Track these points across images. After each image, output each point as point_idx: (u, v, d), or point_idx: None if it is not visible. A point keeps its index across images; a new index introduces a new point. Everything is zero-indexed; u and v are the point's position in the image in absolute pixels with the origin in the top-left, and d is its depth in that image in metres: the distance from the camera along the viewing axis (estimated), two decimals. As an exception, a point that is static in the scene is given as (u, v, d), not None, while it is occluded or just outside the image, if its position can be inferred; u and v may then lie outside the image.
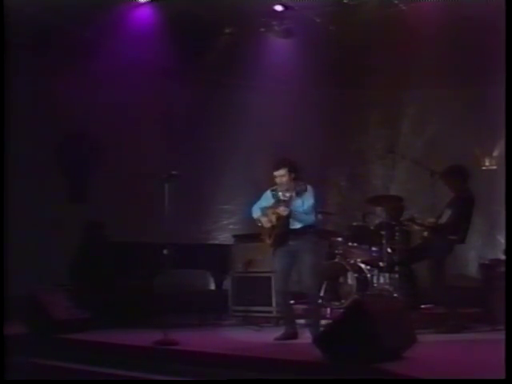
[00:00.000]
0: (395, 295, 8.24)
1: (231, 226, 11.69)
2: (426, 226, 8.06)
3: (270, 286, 8.51)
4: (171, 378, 5.97)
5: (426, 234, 8.17)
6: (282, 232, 7.12)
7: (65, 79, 9.89)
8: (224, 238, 11.33)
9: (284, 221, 7.08)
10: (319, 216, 7.33)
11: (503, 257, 7.47)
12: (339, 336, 5.55)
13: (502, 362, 4.61)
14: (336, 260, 8.93)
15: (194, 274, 9.86)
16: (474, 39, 9.76)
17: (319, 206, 7.43)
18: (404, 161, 10.12)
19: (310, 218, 7.13)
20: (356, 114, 11.63)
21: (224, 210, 11.84)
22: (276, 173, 7.12)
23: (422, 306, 8.36)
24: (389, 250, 8.57)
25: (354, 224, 9.26)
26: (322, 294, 8.41)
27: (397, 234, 8.58)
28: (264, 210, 7.29)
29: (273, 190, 7.30)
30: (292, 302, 7.56)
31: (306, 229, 7.11)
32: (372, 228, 9.08)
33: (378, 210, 9.67)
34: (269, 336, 7.26)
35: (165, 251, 7.04)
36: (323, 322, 7.43)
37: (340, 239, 9.11)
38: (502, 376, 4.51)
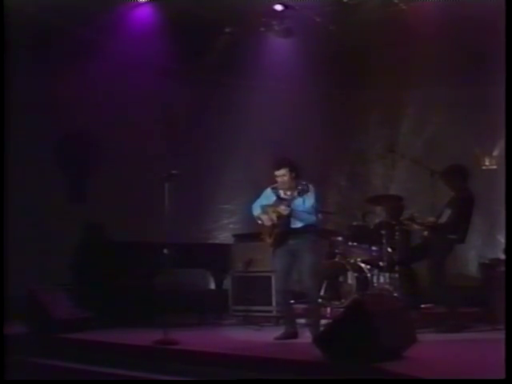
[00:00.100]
0: (395, 295, 8.24)
1: (231, 226, 11.69)
2: (425, 225, 8.06)
3: (270, 286, 8.52)
4: (171, 378, 5.97)
5: (425, 233, 8.17)
6: (283, 231, 7.12)
7: (65, 79, 9.89)
8: (224, 237, 11.33)
9: (285, 220, 7.08)
10: (319, 215, 7.31)
11: (503, 256, 7.47)
12: (339, 335, 5.55)
13: (502, 362, 4.62)
14: (336, 259, 8.94)
15: (194, 273, 9.86)
16: (473, 39, 9.76)
17: (320, 206, 7.43)
18: (404, 160, 10.12)
19: (311, 217, 7.13)
20: (356, 113, 11.63)
21: (224, 210, 11.84)
22: (277, 172, 7.11)
23: (422, 306, 8.36)
24: (389, 250, 8.57)
25: (354, 223, 9.26)
26: (322, 293, 8.40)
27: (397, 233, 8.58)
28: (264, 208, 7.29)
29: (273, 188, 7.30)
30: (292, 301, 7.56)
31: (307, 228, 7.11)
32: (372, 227, 9.09)
33: (378, 209, 9.68)
34: (269, 335, 7.26)
35: (165, 251, 7.04)
36: (323, 321, 7.43)
37: (340, 238, 9.11)
38: (502, 375, 4.51)
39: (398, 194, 9.81)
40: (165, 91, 10.88)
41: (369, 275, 8.67)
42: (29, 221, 9.41)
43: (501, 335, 5.35)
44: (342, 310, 7.73)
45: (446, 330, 7.43)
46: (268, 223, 7.22)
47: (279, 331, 7.27)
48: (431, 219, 7.95)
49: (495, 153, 10.40)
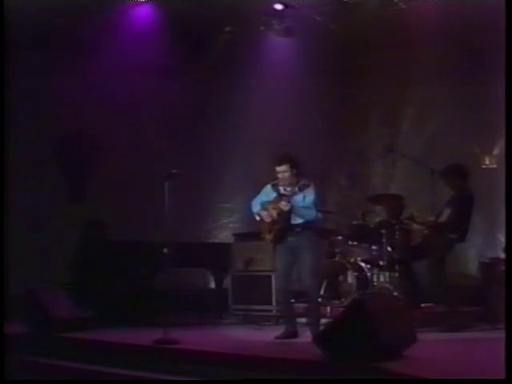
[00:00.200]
0: (395, 294, 8.23)
1: (231, 225, 11.69)
2: (425, 224, 8.05)
3: (270, 285, 8.52)
4: (171, 377, 5.97)
5: (425, 232, 8.17)
6: (283, 227, 7.12)
7: (64, 79, 9.89)
8: (224, 236, 11.32)
9: (285, 216, 7.08)
10: (319, 214, 7.32)
11: (503, 255, 7.46)
12: (339, 335, 5.55)
13: (502, 362, 4.61)
14: (336, 259, 8.93)
15: (194, 272, 9.87)
16: (473, 38, 9.76)
17: (320, 203, 7.42)
18: (404, 159, 10.11)
19: (311, 214, 7.13)
20: (356, 112, 11.62)
21: (224, 209, 11.84)
22: (278, 168, 7.12)
23: (422, 305, 8.35)
24: (389, 249, 8.57)
25: (354, 223, 9.25)
26: (322, 292, 8.40)
27: (397, 232, 8.58)
28: (264, 205, 7.28)
29: (273, 185, 7.30)
30: (292, 300, 7.56)
31: (307, 224, 7.11)
32: (372, 227, 9.07)
33: (378, 208, 9.68)
34: (269, 335, 7.27)
35: (165, 250, 7.04)
36: (323, 320, 7.44)
37: (340, 238, 9.11)
38: (502, 374, 4.51)
39: (398, 193, 9.80)
40: (165, 90, 10.87)
41: (369, 274, 8.66)
42: (29, 220, 9.42)
43: (501, 334, 5.35)
44: (342, 309, 7.73)
45: (446, 330, 7.43)
46: (268, 219, 7.22)
47: (279, 330, 7.27)
48: (431, 218, 7.95)
49: (495, 152, 10.39)
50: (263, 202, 7.30)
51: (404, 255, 8.52)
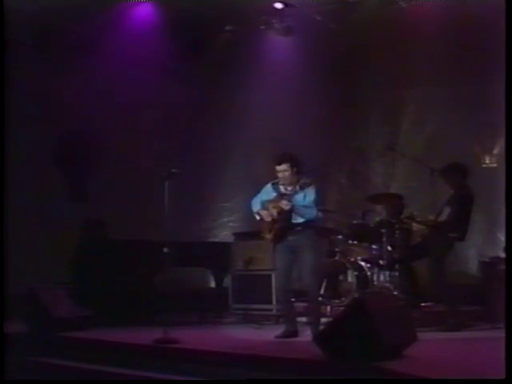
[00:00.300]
0: (395, 293, 8.23)
1: (231, 224, 11.70)
2: (425, 223, 8.05)
3: (270, 284, 8.53)
4: (171, 377, 5.98)
5: (426, 231, 8.17)
6: (283, 226, 7.11)
7: (65, 79, 9.90)
8: (224, 235, 11.34)
9: (286, 215, 7.07)
10: (319, 213, 7.31)
11: (503, 255, 7.46)
12: (339, 334, 5.55)
13: (502, 361, 4.62)
14: (336, 258, 8.93)
15: (195, 271, 9.88)
16: (474, 37, 9.75)
17: (320, 202, 7.42)
18: (404, 159, 10.10)
19: (312, 213, 7.11)
20: (356, 111, 11.61)
21: (224, 208, 11.85)
22: (278, 167, 7.11)
23: (422, 304, 8.36)
24: (389, 248, 8.57)
25: (354, 222, 9.25)
26: (322, 291, 8.40)
27: (397, 231, 8.58)
28: (264, 204, 7.27)
29: (274, 184, 7.30)
30: (293, 299, 7.56)
31: (308, 223, 7.11)
32: (372, 226, 9.08)
33: (378, 207, 9.69)
34: (269, 334, 7.27)
35: (165, 249, 7.04)
36: (323, 320, 7.44)
37: (340, 237, 9.11)
38: (502, 374, 4.51)
39: (398, 192, 9.80)
40: (165, 90, 10.88)
41: (369, 274, 8.67)
42: (29, 220, 9.41)
43: (501, 334, 5.35)
44: (342, 308, 7.74)
45: (446, 329, 7.43)
46: (268, 219, 7.21)
47: (279, 330, 7.27)
48: (431, 217, 7.95)
49: (495, 151, 10.39)
50: (263, 201, 7.29)
51: (404, 254, 8.52)
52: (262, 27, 10.74)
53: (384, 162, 11.31)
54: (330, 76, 11.21)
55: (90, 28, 9.81)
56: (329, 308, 8.58)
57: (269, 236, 7.25)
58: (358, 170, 11.78)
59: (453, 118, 10.50)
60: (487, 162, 10.43)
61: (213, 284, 9.70)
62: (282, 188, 7.19)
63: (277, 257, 7.31)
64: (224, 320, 8.97)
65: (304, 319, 7.61)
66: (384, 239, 8.56)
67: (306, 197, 7.06)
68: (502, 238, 9.61)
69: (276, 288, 7.97)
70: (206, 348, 6.47)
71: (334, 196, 11.57)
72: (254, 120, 11.25)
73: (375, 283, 8.68)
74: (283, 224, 7.11)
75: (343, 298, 8.55)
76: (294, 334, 7.15)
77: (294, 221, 7.10)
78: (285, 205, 7.00)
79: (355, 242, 9.03)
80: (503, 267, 7.09)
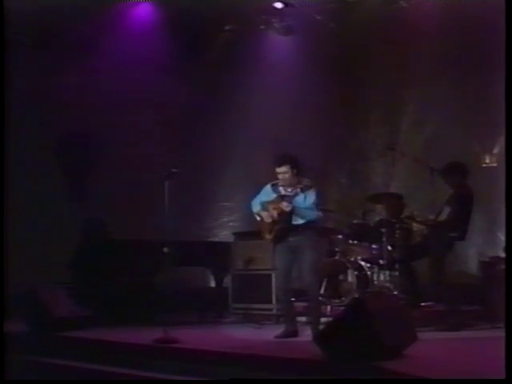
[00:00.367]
0: (395, 293, 8.24)
1: (231, 224, 11.69)
2: (425, 223, 8.05)
3: (271, 284, 8.52)
4: (171, 376, 5.97)
5: (425, 231, 8.16)
6: (283, 227, 7.11)
7: (64, 78, 9.90)
8: (224, 235, 11.33)
9: (286, 216, 7.07)
10: (320, 214, 7.31)
11: (503, 254, 7.45)
12: (339, 334, 5.55)
13: (502, 361, 4.61)
14: (336, 257, 8.92)
15: (195, 271, 9.87)
16: (474, 37, 9.75)
17: (320, 202, 7.41)
18: (404, 158, 10.09)
19: (313, 214, 7.11)
20: (356, 111, 11.60)
21: (224, 208, 11.84)
22: (278, 169, 7.10)
23: (423, 304, 8.34)
24: (389, 248, 8.57)
25: (355, 221, 9.24)
26: (322, 291, 8.40)
27: (397, 231, 8.57)
28: (264, 205, 7.26)
29: (273, 185, 7.29)
30: (292, 299, 7.56)
31: (308, 224, 7.11)
32: (372, 225, 9.07)
33: (378, 207, 9.68)
34: (269, 334, 7.27)
35: (165, 249, 7.04)
36: (323, 319, 7.43)
37: (340, 237, 9.11)
38: (502, 374, 4.51)
39: (398, 191, 9.79)
40: (165, 89, 10.88)
41: (369, 273, 8.66)
42: (29, 219, 9.42)
43: (501, 333, 5.35)
44: (342, 308, 7.74)
45: (446, 328, 7.42)
46: (268, 220, 7.20)
47: (279, 329, 7.27)
48: (431, 217, 7.95)
49: (495, 150, 10.38)
50: (263, 202, 7.28)
51: (404, 254, 8.52)
52: (262, 27, 10.75)
53: (384, 162, 11.29)
54: (330, 75, 11.20)
55: (90, 28, 9.82)
56: (329, 308, 8.58)
57: (269, 237, 7.25)
58: (358, 169, 11.77)
59: (453, 118, 10.50)
60: (487, 161, 10.42)
61: (213, 284, 9.70)
62: (281, 189, 7.18)
63: (277, 256, 7.31)
64: (224, 320, 8.96)
65: (304, 319, 7.61)
66: (384, 239, 8.56)
67: (307, 199, 7.06)
68: (502, 237, 9.60)
69: (276, 287, 7.97)
70: (205, 348, 6.47)
71: (334, 196, 11.56)
72: (254, 119, 11.25)
73: (375, 283, 8.68)
74: (283, 225, 7.11)
75: (343, 298, 8.54)
76: (294, 333, 7.15)
77: (294, 222, 7.10)
78: (285, 206, 6.99)
79: (355, 242, 9.02)
80: (503, 267, 7.09)
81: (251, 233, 8.63)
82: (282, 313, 7.91)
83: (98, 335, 7.35)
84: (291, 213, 7.03)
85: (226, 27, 10.94)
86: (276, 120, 11.21)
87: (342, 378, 5.22)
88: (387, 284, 8.53)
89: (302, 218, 7.08)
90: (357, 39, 10.66)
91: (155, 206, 7.29)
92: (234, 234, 10.13)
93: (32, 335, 7.54)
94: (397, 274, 8.50)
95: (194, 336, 7.16)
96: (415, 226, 8.43)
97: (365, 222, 9.19)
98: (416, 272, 8.65)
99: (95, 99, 10.13)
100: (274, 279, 8.30)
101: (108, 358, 6.62)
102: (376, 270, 8.71)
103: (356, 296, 8.26)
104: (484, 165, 10.41)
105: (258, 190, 7.51)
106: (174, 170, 7.06)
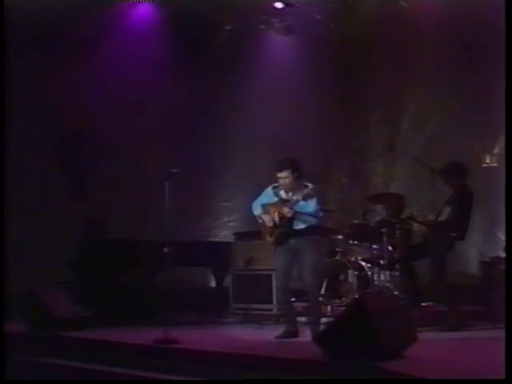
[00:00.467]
0: (396, 293, 8.24)
1: (231, 224, 11.68)
2: (426, 223, 8.05)
3: (271, 284, 8.52)
4: (171, 377, 5.98)
5: (426, 231, 8.16)
6: (284, 231, 7.12)
7: (65, 78, 9.89)
8: (224, 235, 11.32)
9: (287, 221, 7.07)
10: (321, 214, 7.31)
11: (503, 254, 7.45)
12: (339, 334, 5.55)
13: (503, 361, 4.61)
14: (336, 258, 8.92)
15: (195, 271, 9.86)
16: (474, 37, 9.75)
17: (321, 204, 7.41)
18: (404, 158, 10.09)
19: (314, 220, 7.12)
20: (356, 111, 11.59)
21: (224, 208, 11.84)
22: (279, 174, 7.09)
23: (423, 304, 8.34)
24: (389, 248, 8.57)
25: (355, 222, 9.24)
26: (322, 291, 8.40)
27: (397, 231, 8.57)
28: (266, 208, 7.26)
29: (274, 187, 7.28)
30: (293, 299, 7.56)
31: (309, 228, 7.11)
32: (372, 225, 9.06)
33: (379, 207, 9.67)
34: (269, 334, 7.27)
35: (165, 249, 7.04)
36: (324, 320, 7.44)
37: (340, 237, 9.11)
38: (502, 374, 4.51)
39: (399, 192, 9.80)
40: (165, 89, 10.87)
41: (369, 273, 8.66)
42: (29, 219, 9.42)
43: (501, 333, 5.34)
44: (342, 308, 7.74)
45: (446, 329, 7.42)
46: (270, 224, 7.20)
47: (280, 330, 7.27)
48: (431, 217, 7.94)
49: (496, 150, 10.37)
50: (265, 204, 7.27)
51: (404, 254, 8.52)
52: (262, 27, 10.75)
53: (384, 162, 11.28)
54: (330, 75, 11.19)
55: (90, 27, 9.81)
56: (329, 308, 8.57)
57: (270, 239, 7.25)
58: (359, 169, 11.76)
59: (453, 118, 10.49)
60: (487, 161, 10.42)
61: (213, 284, 9.70)
62: (282, 193, 7.18)
63: (277, 257, 7.31)
64: (224, 320, 8.96)
65: (304, 319, 7.61)
66: (384, 239, 8.55)
67: (309, 204, 7.04)
68: (502, 237, 9.60)
69: (276, 288, 7.97)
70: (206, 348, 6.47)
71: (335, 196, 11.55)
72: (254, 119, 11.24)
73: (376, 283, 8.67)
74: (284, 229, 7.11)
75: (343, 298, 8.54)
76: (294, 333, 7.15)
77: (295, 227, 7.11)
78: (287, 212, 6.99)
79: (356, 242, 9.02)
80: (503, 267, 7.08)
81: (251, 233, 8.64)
82: (282, 313, 7.91)
83: (98, 335, 7.35)
84: (292, 218, 7.04)
85: (227, 27, 10.93)
86: (276, 120, 11.21)
87: (342, 378, 5.23)
88: (388, 284, 8.53)
89: (303, 222, 7.08)
90: (357, 39, 10.65)
91: (155, 206, 7.29)
92: (235, 234, 10.14)
93: (32, 335, 7.53)
94: (397, 274, 8.50)
95: (194, 336, 7.16)
96: (415, 226, 8.43)
97: (365, 222, 9.18)
98: (416, 272, 8.64)
99: (95, 99, 10.12)
100: (274, 279, 8.29)
101: (108, 357, 6.62)
102: (376, 270, 8.71)
103: (356, 296, 8.26)
104: (484, 165, 10.41)
105: (258, 190, 7.51)
106: (174, 170, 7.06)
